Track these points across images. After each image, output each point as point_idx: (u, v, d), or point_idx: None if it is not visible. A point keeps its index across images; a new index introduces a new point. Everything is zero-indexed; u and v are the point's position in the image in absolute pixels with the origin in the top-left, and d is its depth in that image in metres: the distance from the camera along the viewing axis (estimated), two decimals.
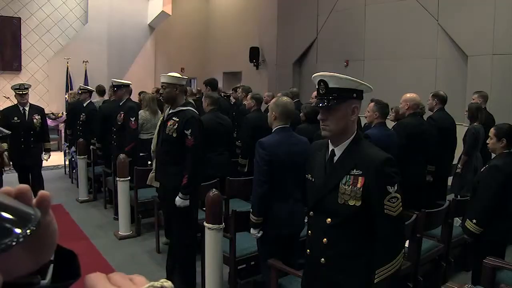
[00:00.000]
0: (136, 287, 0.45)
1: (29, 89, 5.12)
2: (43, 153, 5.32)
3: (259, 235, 2.73)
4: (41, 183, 5.27)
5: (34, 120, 5.04)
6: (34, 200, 0.48)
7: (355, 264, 1.72)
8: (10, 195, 0.47)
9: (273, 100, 2.91)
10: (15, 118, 4.90)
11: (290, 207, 2.71)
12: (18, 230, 0.41)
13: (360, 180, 1.65)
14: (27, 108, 5.05)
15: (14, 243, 0.40)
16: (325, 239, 1.75)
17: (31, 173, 5.18)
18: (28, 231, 0.42)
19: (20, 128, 4.90)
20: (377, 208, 1.64)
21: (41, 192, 0.49)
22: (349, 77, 1.72)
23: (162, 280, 0.45)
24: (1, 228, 0.41)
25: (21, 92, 4.95)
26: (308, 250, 1.86)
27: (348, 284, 1.73)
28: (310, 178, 1.86)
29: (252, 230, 2.74)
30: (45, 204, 0.49)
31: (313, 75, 1.79)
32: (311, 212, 1.84)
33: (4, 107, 5.06)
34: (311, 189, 1.85)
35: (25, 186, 0.48)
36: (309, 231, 1.87)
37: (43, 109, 5.39)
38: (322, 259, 1.76)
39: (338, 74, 1.71)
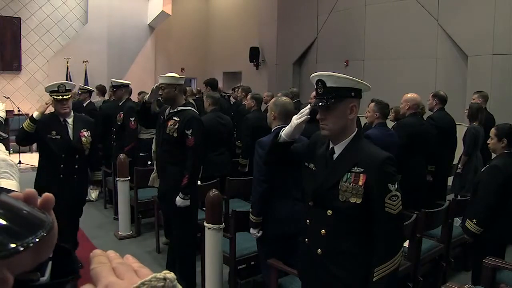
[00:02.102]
0: (138, 279, 0.45)
1: (72, 90, 3.43)
2: (90, 186, 3.72)
3: (258, 234, 2.73)
4: (76, 226, 3.55)
5: (83, 139, 3.32)
6: (38, 202, 0.49)
7: (351, 260, 1.73)
8: (19, 200, 0.47)
9: (273, 100, 2.92)
10: (53, 133, 3.23)
11: (290, 207, 2.70)
12: (28, 236, 0.42)
13: (362, 178, 1.66)
14: (70, 120, 3.32)
15: (22, 249, 0.41)
16: (323, 230, 1.75)
17: (68, 215, 3.21)
18: (37, 238, 0.43)
19: (60, 148, 3.24)
20: (377, 206, 1.65)
21: (45, 194, 0.50)
22: (347, 76, 1.73)
23: (164, 271, 0.46)
24: (11, 233, 0.42)
25: (60, 97, 3.19)
26: (306, 239, 1.86)
27: (343, 278, 1.73)
28: (312, 167, 1.86)
29: (251, 230, 2.74)
30: (49, 206, 0.49)
31: (311, 75, 1.80)
32: (311, 202, 1.83)
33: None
34: (313, 179, 1.84)
35: (31, 190, 0.49)
36: (308, 220, 1.86)
37: (93, 121, 3.62)
38: (319, 249, 1.77)
39: (335, 73, 1.72)
